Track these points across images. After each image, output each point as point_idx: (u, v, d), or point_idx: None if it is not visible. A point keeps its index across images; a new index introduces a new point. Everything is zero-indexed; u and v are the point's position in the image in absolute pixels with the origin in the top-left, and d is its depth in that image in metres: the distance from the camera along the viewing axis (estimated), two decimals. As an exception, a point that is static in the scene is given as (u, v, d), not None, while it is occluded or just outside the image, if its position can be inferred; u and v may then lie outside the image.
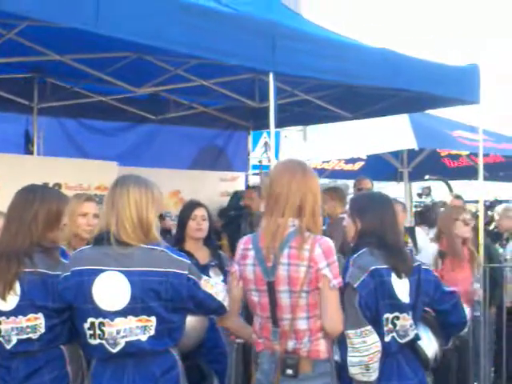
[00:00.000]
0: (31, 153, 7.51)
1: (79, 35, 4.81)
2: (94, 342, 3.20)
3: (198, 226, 4.88)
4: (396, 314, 3.57)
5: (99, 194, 6.29)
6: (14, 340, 3.36)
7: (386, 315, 3.56)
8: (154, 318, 3.17)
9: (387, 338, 3.53)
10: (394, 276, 3.58)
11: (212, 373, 3.75)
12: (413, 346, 3.65)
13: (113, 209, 3.22)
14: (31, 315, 3.36)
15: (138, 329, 3.16)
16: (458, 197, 8.31)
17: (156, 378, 3.18)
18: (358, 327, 3.41)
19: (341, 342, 3.47)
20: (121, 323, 3.16)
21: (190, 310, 3.32)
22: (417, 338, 3.68)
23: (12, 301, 3.35)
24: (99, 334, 3.19)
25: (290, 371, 3.28)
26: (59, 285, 3.29)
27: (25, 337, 3.36)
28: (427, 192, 8.26)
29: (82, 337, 3.25)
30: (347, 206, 3.93)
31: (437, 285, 3.82)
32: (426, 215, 8.31)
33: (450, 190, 9.40)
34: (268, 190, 3.41)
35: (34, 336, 3.36)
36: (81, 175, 6.84)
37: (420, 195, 8.30)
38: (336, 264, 3.32)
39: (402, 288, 3.61)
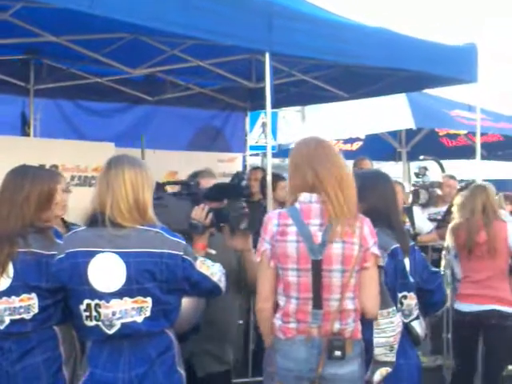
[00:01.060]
0: (28, 135, 7.49)
1: (74, 16, 4.79)
2: (90, 323, 3.19)
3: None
4: (404, 293, 3.59)
5: (96, 176, 6.27)
6: (7, 320, 3.36)
7: (398, 294, 3.57)
8: (149, 299, 3.16)
9: None
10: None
11: None
12: (406, 325, 3.66)
13: (108, 190, 3.18)
14: (24, 295, 3.37)
15: (134, 310, 3.16)
16: (451, 177, 8.29)
17: (152, 359, 3.19)
18: (385, 307, 3.35)
19: (364, 324, 3.37)
20: (116, 305, 3.15)
21: (186, 291, 3.30)
22: (418, 317, 3.70)
23: (5, 281, 3.36)
24: (95, 316, 3.18)
25: (338, 353, 3.18)
26: (53, 267, 3.28)
27: (18, 317, 3.36)
28: (423, 172, 8.24)
29: (78, 318, 3.23)
30: None
31: (425, 265, 3.86)
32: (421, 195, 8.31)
33: (443, 170, 9.41)
34: (303, 165, 3.30)
35: (27, 316, 3.37)
36: (78, 157, 6.83)
37: (417, 175, 8.29)
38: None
39: (408, 267, 3.63)
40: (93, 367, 3.23)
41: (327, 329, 3.20)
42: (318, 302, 3.19)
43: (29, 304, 3.37)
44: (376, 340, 3.32)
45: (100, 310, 3.16)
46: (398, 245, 3.56)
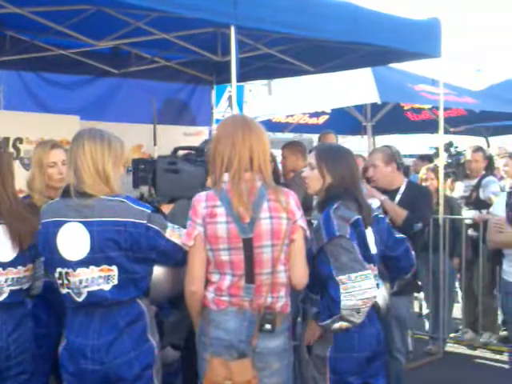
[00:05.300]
0: (-9, 107, 7.41)
1: (37, -13, 4.74)
2: (64, 291, 3.30)
3: None
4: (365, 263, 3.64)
5: (61, 149, 6.24)
6: (7, 291, 3.47)
7: None
8: (115, 268, 3.22)
9: None
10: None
11: (168, 324, 3.76)
12: None
13: (71, 162, 3.28)
14: (29, 266, 3.55)
15: (101, 278, 3.23)
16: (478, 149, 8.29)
17: (120, 328, 3.25)
18: (352, 271, 3.40)
19: (329, 281, 3.46)
20: (83, 273, 3.23)
21: (155, 260, 3.35)
22: (377, 287, 3.77)
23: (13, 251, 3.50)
24: (66, 284, 3.28)
25: (268, 326, 3.29)
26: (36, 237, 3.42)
27: (18, 287, 3.49)
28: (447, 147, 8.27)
29: (57, 286, 3.35)
30: (310, 159, 3.87)
31: (389, 232, 3.93)
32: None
33: None
34: (219, 146, 3.36)
35: (25, 286, 3.52)
36: (42, 129, 6.76)
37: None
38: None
39: (370, 239, 3.69)
40: (68, 334, 3.34)
41: (259, 302, 3.30)
42: (250, 278, 3.28)
43: (31, 274, 3.59)
44: (343, 302, 3.40)
45: (69, 278, 3.26)
46: (359, 216, 3.62)
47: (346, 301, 3.39)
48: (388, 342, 4.67)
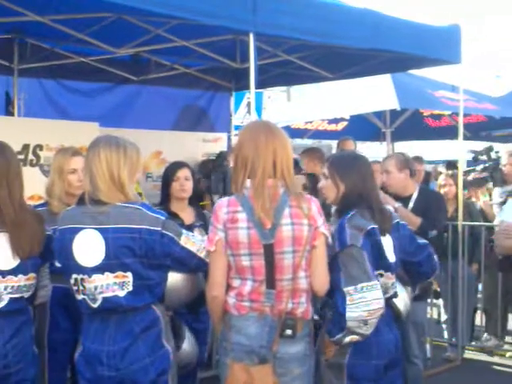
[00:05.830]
0: (12, 114, 7.44)
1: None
2: (79, 297, 3.32)
3: (181, 186, 4.95)
4: (381, 271, 3.63)
5: (81, 156, 6.27)
6: (6, 299, 3.40)
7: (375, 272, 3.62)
8: (130, 274, 3.23)
9: None
10: (381, 236, 3.64)
11: (184, 328, 3.76)
12: (387, 301, 3.72)
13: (87, 170, 3.30)
14: (31, 274, 3.47)
15: (116, 285, 3.24)
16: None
17: (135, 334, 3.26)
18: (358, 282, 3.40)
19: (337, 293, 3.46)
20: (98, 279, 3.25)
21: (170, 267, 3.36)
22: (395, 295, 3.76)
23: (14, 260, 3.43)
24: (82, 290, 3.30)
25: (289, 331, 3.29)
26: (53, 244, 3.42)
27: (18, 295, 3.42)
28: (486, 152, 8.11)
29: (73, 292, 3.36)
30: (323, 169, 3.88)
31: (411, 238, 3.90)
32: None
33: None
34: (242, 152, 3.36)
35: (26, 295, 3.46)
36: (62, 136, 6.79)
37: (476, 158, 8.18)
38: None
39: (388, 247, 3.66)
40: (84, 340, 3.35)
41: (280, 308, 3.30)
42: (270, 283, 3.28)
43: (32, 283, 3.49)
44: (348, 314, 3.39)
45: (85, 284, 3.27)
46: (374, 225, 3.61)
47: (351, 312, 3.39)
48: (405, 348, 4.65)
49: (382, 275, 3.63)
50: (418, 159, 8.49)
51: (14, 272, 3.40)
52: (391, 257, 3.68)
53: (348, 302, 3.39)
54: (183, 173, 4.99)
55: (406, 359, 4.93)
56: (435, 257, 4.02)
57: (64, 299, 3.72)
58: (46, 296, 3.70)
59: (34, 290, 3.53)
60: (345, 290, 3.41)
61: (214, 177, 7.67)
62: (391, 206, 5.18)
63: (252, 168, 3.31)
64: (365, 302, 3.38)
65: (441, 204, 5.81)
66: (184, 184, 4.96)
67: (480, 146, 12.79)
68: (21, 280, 3.41)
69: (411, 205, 5.50)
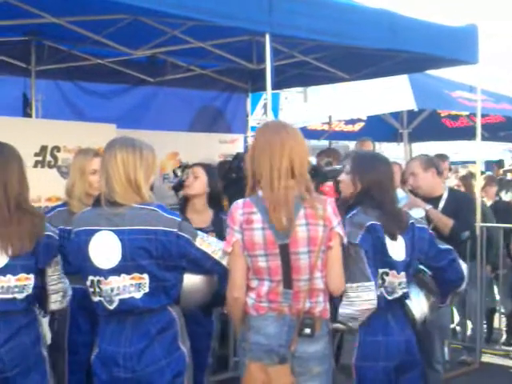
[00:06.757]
0: (29, 116, 7.48)
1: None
2: (95, 299, 3.33)
3: (188, 182, 4.92)
4: (386, 269, 3.63)
5: (98, 157, 6.29)
6: None
7: (378, 270, 3.61)
8: (146, 276, 3.24)
9: (377, 292, 3.57)
10: (386, 234, 3.64)
11: None
12: (403, 304, 3.71)
13: (103, 171, 3.31)
14: (22, 275, 3.37)
15: (132, 286, 3.24)
16: None
17: (151, 336, 3.26)
18: (355, 281, 3.46)
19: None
20: (114, 281, 3.25)
21: (186, 268, 3.36)
22: (405, 296, 3.74)
23: (2, 259, 3.34)
24: (98, 292, 3.30)
25: (308, 330, 3.30)
26: (67, 247, 3.42)
27: (9, 296, 3.34)
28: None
29: (89, 294, 3.35)
30: (347, 164, 3.88)
31: (431, 242, 3.87)
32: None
33: None
34: (257, 153, 3.37)
35: (19, 296, 3.36)
36: (79, 138, 6.82)
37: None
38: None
39: (395, 245, 3.65)
40: (100, 342, 3.35)
41: (298, 307, 3.31)
42: (288, 283, 3.29)
43: (25, 284, 3.38)
44: (341, 310, 3.47)
45: (101, 286, 3.27)
46: (376, 222, 3.61)
47: (344, 309, 3.47)
48: (428, 353, 4.61)
49: (387, 274, 3.63)
50: (442, 157, 8.47)
51: (2, 272, 3.32)
52: (398, 255, 3.67)
53: (344, 299, 3.46)
54: (192, 170, 4.97)
55: (429, 365, 4.89)
56: (461, 262, 3.95)
57: (84, 300, 3.69)
58: (61, 302, 3.60)
59: (35, 293, 3.43)
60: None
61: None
62: (422, 208, 5.15)
63: (267, 169, 3.31)
64: (358, 302, 3.45)
65: (471, 205, 5.77)
66: (190, 181, 4.91)
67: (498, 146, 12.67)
68: (11, 280, 3.33)
69: (441, 205, 5.46)
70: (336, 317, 3.51)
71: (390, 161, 4.01)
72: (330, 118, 10.23)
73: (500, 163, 10.15)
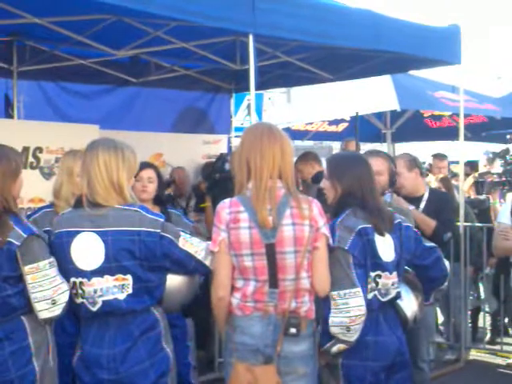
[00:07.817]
0: (11, 117, 7.43)
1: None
2: (78, 301, 3.31)
3: (143, 187, 4.92)
4: (378, 272, 3.63)
5: (81, 158, 6.24)
6: None
7: (371, 273, 3.61)
8: (129, 277, 3.23)
9: (369, 296, 3.58)
10: (376, 235, 3.63)
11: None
12: (393, 304, 3.71)
13: (84, 172, 3.30)
14: None
15: (116, 288, 3.23)
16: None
17: (135, 337, 3.26)
18: (343, 288, 3.45)
19: (324, 302, 3.50)
20: (97, 283, 3.24)
21: (169, 269, 3.35)
22: (398, 296, 3.74)
23: None
24: (81, 294, 3.28)
25: (293, 330, 3.31)
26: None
27: None
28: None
29: (71, 296, 3.31)
30: (325, 170, 3.90)
31: (417, 241, 3.89)
32: None
33: None
34: (244, 153, 3.39)
35: None
36: (62, 139, 6.79)
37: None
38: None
39: (385, 246, 3.65)
40: (83, 343, 3.34)
41: (283, 307, 3.31)
42: (273, 283, 3.30)
43: None
44: (331, 319, 3.45)
45: (84, 287, 3.26)
46: (367, 225, 3.60)
47: (334, 318, 3.45)
48: (414, 352, 4.62)
49: (379, 276, 3.63)
50: (440, 156, 8.47)
51: None
52: (388, 256, 3.66)
53: (332, 307, 3.45)
54: (146, 173, 4.96)
55: (414, 364, 4.90)
56: (445, 261, 4.00)
57: (69, 302, 3.65)
58: (47, 312, 3.32)
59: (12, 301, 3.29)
60: (329, 294, 3.45)
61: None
62: (405, 208, 5.16)
63: (254, 169, 3.33)
64: (346, 309, 3.43)
65: (452, 205, 5.79)
66: (146, 185, 4.93)
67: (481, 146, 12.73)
68: None
69: (422, 205, 5.49)
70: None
71: (366, 158, 3.98)
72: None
73: (473, 165, 10.12)
